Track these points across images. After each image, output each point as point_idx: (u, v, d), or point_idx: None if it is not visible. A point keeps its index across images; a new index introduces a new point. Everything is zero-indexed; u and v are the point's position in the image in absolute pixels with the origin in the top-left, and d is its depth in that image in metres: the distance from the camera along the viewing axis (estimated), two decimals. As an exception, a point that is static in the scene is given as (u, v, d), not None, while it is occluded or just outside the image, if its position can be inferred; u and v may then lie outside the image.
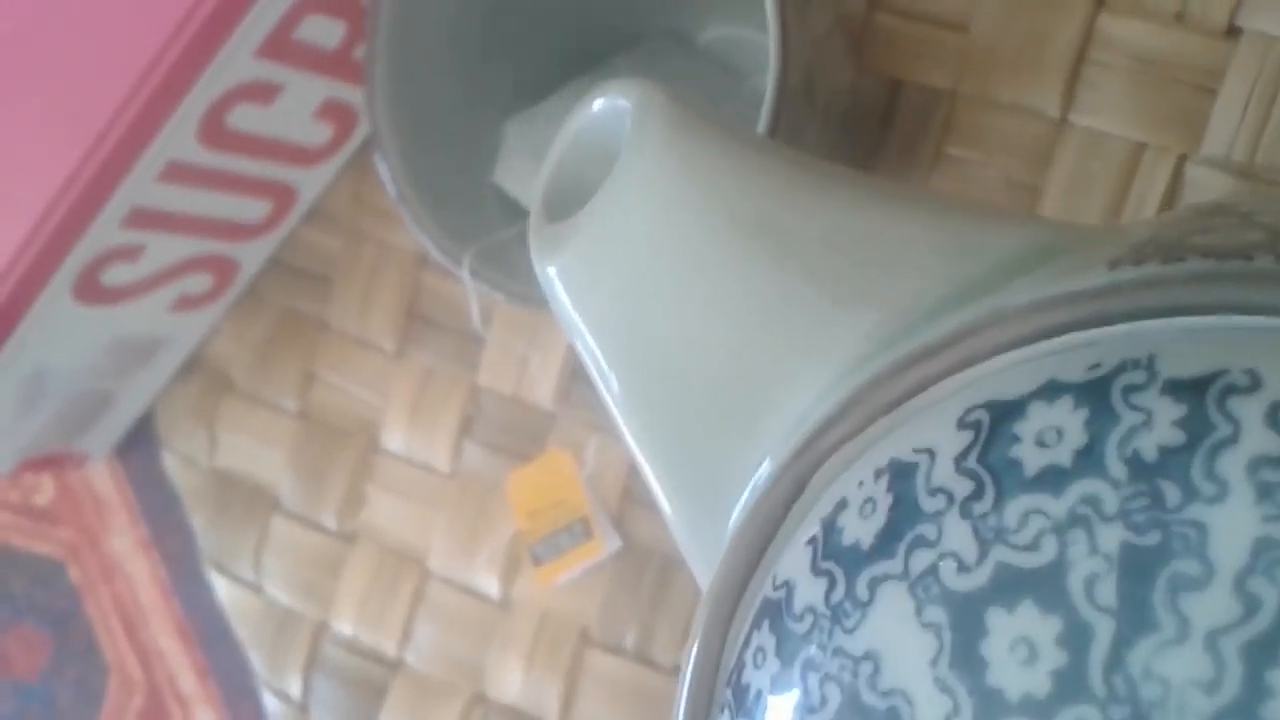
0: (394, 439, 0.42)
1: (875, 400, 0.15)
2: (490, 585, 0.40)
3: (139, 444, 0.46)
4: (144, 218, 0.36)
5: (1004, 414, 0.14)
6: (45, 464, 0.44)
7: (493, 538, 0.40)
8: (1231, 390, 0.13)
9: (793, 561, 0.15)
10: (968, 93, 0.34)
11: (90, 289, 0.37)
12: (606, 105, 0.18)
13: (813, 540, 0.15)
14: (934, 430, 0.14)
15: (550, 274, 0.18)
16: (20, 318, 0.36)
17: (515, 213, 0.31)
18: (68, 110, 0.34)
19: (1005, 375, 0.14)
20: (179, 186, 0.36)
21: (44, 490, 0.48)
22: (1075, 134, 0.33)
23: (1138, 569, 0.12)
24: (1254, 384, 0.13)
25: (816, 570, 0.15)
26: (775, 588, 0.15)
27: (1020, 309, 0.14)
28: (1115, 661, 0.12)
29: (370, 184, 0.42)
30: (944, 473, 0.14)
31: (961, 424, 0.14)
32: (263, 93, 0.35)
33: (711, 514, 0.18)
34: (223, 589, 0.45)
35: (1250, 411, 0.12)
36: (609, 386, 0.18)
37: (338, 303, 0.43)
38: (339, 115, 0.39)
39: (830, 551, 0.15)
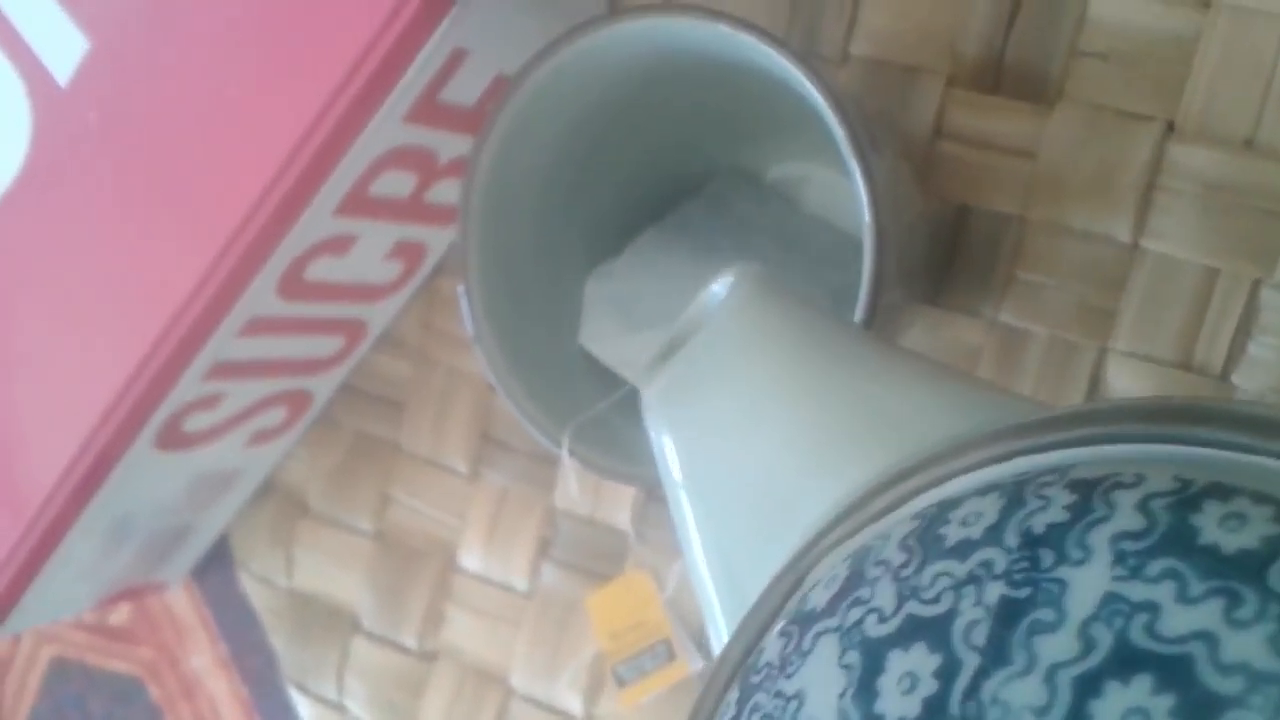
0: (471, 559, 0.42)
1: (861, 514, 0.18)
2: (574, 704, 0.41)
3: (215, 566, 0.47)
4: (225, 370, 0.37)
5: (947, 506, 0.16)
6: (124, 596, 0.45)
7: (575, 657, 0.41)
8: (1118, 485, 0.15)
9: (771, 635, 0.18)
10: (1037, 218, 0.34)
11: (172, 438, 0.38)
12: (722, 282, 0.22)
13: (788, 614, 0.18)
14: (896, 524, 0.17)
15: (647, 396, 0.22)
16: (108, 475, 0.37)
17: (602, 377, 0.31)
18: (154, 277, 0.34)
19: (959, 482, 0.17)
20: (258, 338, 0.36)
21: (119, 610, 0.49)
22: (1148, 259, 0.33)
23: (1007, 616, 0.14)
24: (1138, 481, 0.15)
25: (782, 633, 0.17)
26: (753, 656, 0.18)
27: (977, 440, 0.17)
28: (972, 690, 0.14)
29: (438, 311, 0.42)
30: (889, 549, 0.16)
31: (915, 516, 0.17)
32: (339, 245, 0.36)
33: (740, 606, 0.20)
34: (305, 708, 0.45)
35: (1127, 500, 0.15)
36: (680, 500, 0.21)
37: (410, 426, 0.43)
38: (409, 253, 0.39)
39: (796, 618, 0.17)
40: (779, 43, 0.27)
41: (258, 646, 0.46)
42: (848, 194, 0.35)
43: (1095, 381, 0.34)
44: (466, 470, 0.42)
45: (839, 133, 0.27)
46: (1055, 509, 0.15)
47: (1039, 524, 0.15)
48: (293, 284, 0.35)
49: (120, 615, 0.49)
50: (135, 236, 0.34)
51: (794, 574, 0.18)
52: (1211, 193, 0.33)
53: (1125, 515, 0.14)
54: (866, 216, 0.27)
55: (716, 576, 0.21)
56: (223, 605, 0.47)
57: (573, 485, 0.33)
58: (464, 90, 0.34)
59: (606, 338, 0.31)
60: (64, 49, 0.35)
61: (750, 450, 0.20)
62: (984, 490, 0.16)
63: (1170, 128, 0.33)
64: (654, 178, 0.35)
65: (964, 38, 0.35)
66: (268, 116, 0.32)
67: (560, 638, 0.41)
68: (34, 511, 0.37)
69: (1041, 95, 0.34)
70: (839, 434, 0.20)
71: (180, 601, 0.48)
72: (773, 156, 0.36)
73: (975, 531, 0.15)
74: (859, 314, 0.28)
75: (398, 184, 0.35)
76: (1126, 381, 0.34)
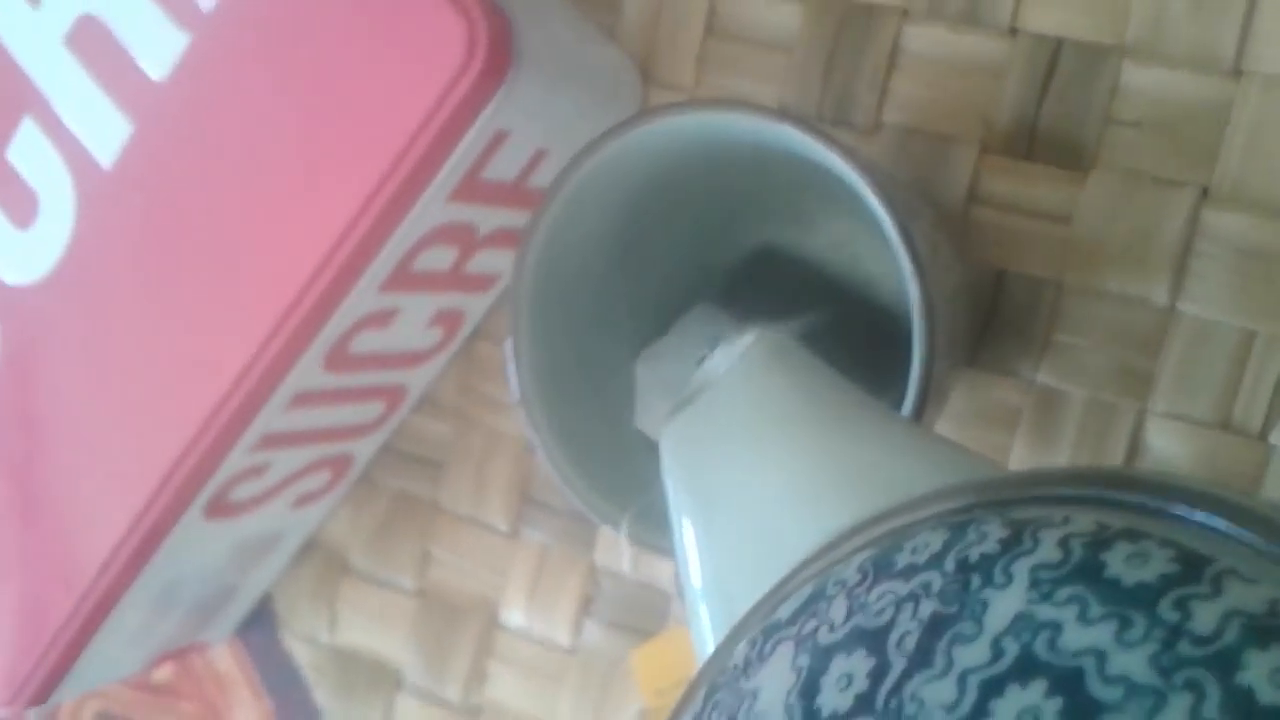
0: (514, 616, 0.43)
1: (838, 551, 0.20)
2: (620, 760, 0.41)
3: (258, 624, 0.47)
4: (272, 440, 0.37)
5: (902, 537, 0.19)
6: (168, 658, 0.45)
7: (619, 714, 0.41)
8: (1045, 525, 0.17)
9: (742, 645, 0.20)
10: (1073, 282, 0.35)
11: (220, 508, 0.38)
12: (745, 339, 0.25)
13: (760, 629, 0.20)
14: (861, 553, 0.19)
15: (664, 438, 0.25)
16: (158, 547, 0.37)
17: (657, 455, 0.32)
18: (204, 356, 0.35)
19: (923, 526, 0.19)
20: (304, 410, 0.37)
21: (162, 667, 0.50)
22: (1185, 322, 0.34)
23: (935, 628, 0.16)
24: (1063, 523, 0.17)
25: (750, 641, 0.19)
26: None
27: (941, 493, 0.20)
28: (896, 689, 0.16)
29: (476, 372, 0.43)
30: (848, 571, 0.19)
31: (873, 544, 0.19)
32: (383, 319, 0.36)
33: (725, 626, 0.22)
34: (351, 764, 0.46)
35: (1051, 537, 0.17)
36: (684, 526, 0.24)
37: (450, 485, 0.44)
38: (448, 320, 0.40)
39: (764, 629, 0.19)
40: (820, 133, 0.28)
41: (302, 703, 0.47)
42: (888, 255, 0.35)
43: (1135, 442, 0.34)
44: (507, 528, 0.43)
45: (886, 222, 0.27)
46: (990, 542, 0.17)
47: (974, 554, 0.17)
48: (339, 357, 0.36)
49: (164, 672, 0.49)
50: (183, 317, 0.35)
51: (772, 601, 0.20)
52: (1246, 258, 0.33)
53: (1047, 549, 0.16)
54: (916, 310, 0.27)
55: (712, 604, 0.23)
56: (266, 662, 0.47)
57: (626, 563, 0.34)
58: (504, 167, 0.35)
59: (660, 421, 0.31)
60: (107, 132, 0.36)
61: (750, 495, 0.23)
62: (934, 525, 0.19)
63: (1205, 193, 0.33)
64: (698, 255, 0.35)
65: (997, 106, 0.35)
66: (316, 201, 0.33)
67: (604, 695, 0.42)
68: (86, 584, 0.37)
69: (1076, 162, 0.35)
70: (830, 486, 0.22)
71: (224, 658, 0.48)
72: (813, 225, 0.36)
73: (921, 558, 0.18)
74: (911, 388, 0.28)
75: (439, 258, 0.36)
76: (1166, 442, 0.34)
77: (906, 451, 0.22)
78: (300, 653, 0.47)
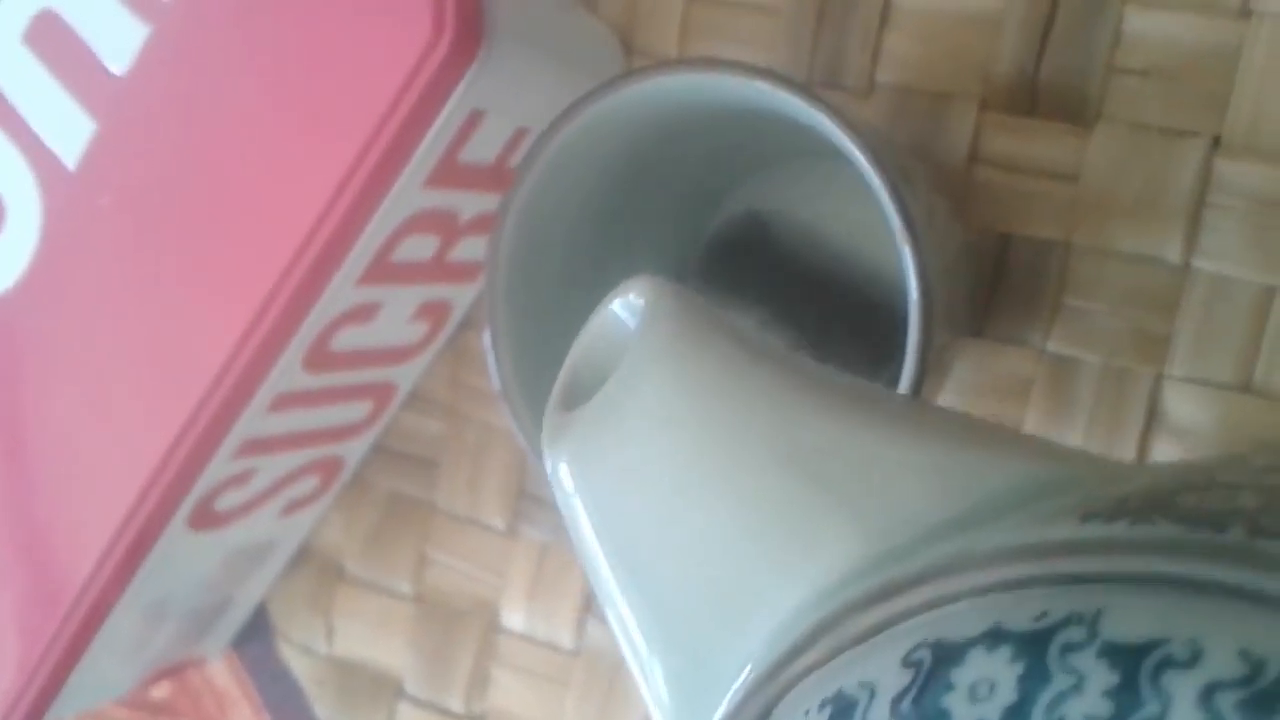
0: (514, 618, 0.41)
1: (841, 635, 0.15)
2: (631, 762, 0.40)
3: (255, 636, 0.46)
4: (254, 446, 0.36)
5: (945, 657, 0.14)
6: (164, 674, 0.44)
7: (626, 717, 0.40)
8: (1169, 663, 0.12)
9: None
10: (1082, 243, 0.33)
11: (205, 518, 0.37)
12: (625, 302, 0.19)
13: None
14: (881, 664, 0.14)
15: (556, 462, 0.18)
16: (142, 560, 0.36)
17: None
18: (178, 361, 0.33)
19: (958, 613, 0.14)
20: (286, 412, 0.36)
21: (160, 685, 0.48)
22: (1201, 280, 0.32)
23: None
24: (1194, 658, 0.12)
25: None
26: None
27: (984, 556, 0.15)
28: None
29: (465, 366, 0.41)
30: (879, 713, 0.14)
31: (906, 662, 0.14)
32: (364, 314, 0.35)
33: (697, 706, 0.17)
34: (355, 777, 0.44)
35: (1184, 689, 0.12)
36: (603, 579, 0.18)
37: (445, 485, 0.42)
38: (434, 312, 0.38)
39: None
40: (802, 88, 0.26)
41: (301, 716, 0.45)
42: (882, 223, 0.34)
43: (1153, 409, 0.33)
44: (504, 527, 0.41)
45: (875, 183, 0.26)
46: (1093, 694, 0.12)
47: (1074, 716, 0.12)
48: (319, 356, 0.35)
49: (161, 689, 0.48)
50: (156, 321, 0.33)
51: (759, 703, 0.16)
52: (1263, 208, 0.31)
53: (1183, 714, 0.12)
54: (911, 275, 0.26)
55: (668, 663, 0.18)
56: (264, 676, 0.46)
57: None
58: (483, 149, 0.33)
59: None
60: (70, 131, 0.34)
61: (693, 522, 0.17)
62: (991, 639, 0.13)
63: (1216, 143, 0.32)
64: (686, 225, 0.33)
65: (995, 59, 0.34)
66: (285, 194, 0.31)
67: (609, 697, 0.40)
68: (70, 602, 0.36)
69: (1080, 115, 0.33)
70: (804, 504, 0.17)
71: (221, 673, 0.47)
72: (805, 192, 0.35)
73: (991, 712, 0.13)
74: (909, 359, 0.27)
75: (420, 248, 0.34)
76: (1185, 407, 0.33)
77: (898, 440, 0.17)
78: (298, 665, 0.45)
